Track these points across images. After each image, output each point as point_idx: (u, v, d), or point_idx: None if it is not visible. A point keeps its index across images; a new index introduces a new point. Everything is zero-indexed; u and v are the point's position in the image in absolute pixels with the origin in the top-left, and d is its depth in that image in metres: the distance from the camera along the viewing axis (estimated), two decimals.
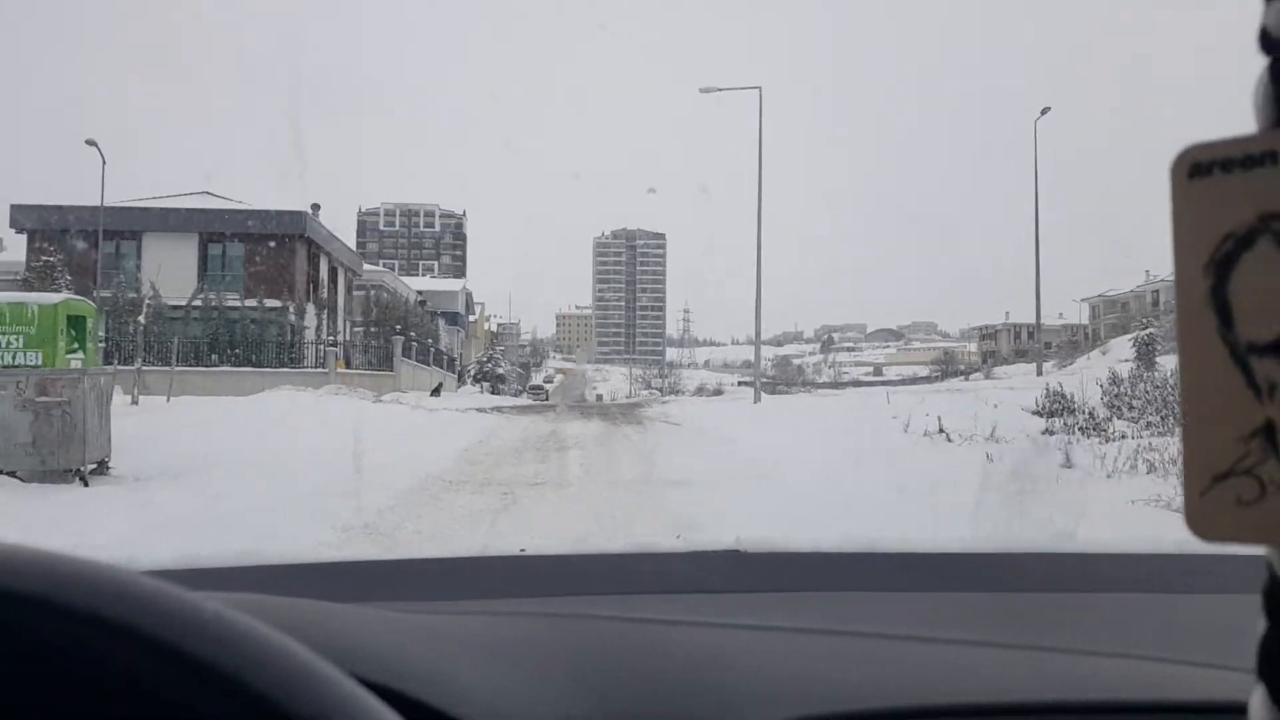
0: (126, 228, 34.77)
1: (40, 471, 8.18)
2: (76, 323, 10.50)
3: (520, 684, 0.75)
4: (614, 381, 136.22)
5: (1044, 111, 33.85)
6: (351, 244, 53.33)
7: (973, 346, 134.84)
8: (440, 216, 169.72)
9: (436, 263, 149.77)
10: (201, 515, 7.27)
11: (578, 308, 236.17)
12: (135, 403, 18.82)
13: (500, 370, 68.75)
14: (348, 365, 32.94)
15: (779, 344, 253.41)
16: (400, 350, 33.48)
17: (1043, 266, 36.19)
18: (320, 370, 30.73)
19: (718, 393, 78.33)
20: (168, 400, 19.32)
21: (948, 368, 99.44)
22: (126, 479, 8.78)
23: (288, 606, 0.79)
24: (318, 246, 37.60)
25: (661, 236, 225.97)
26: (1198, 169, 0.32)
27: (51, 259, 31.81)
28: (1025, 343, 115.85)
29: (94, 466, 8.73)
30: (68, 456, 8.15)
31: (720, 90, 23.78)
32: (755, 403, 22.14)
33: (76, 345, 10.49)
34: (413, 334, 37.28)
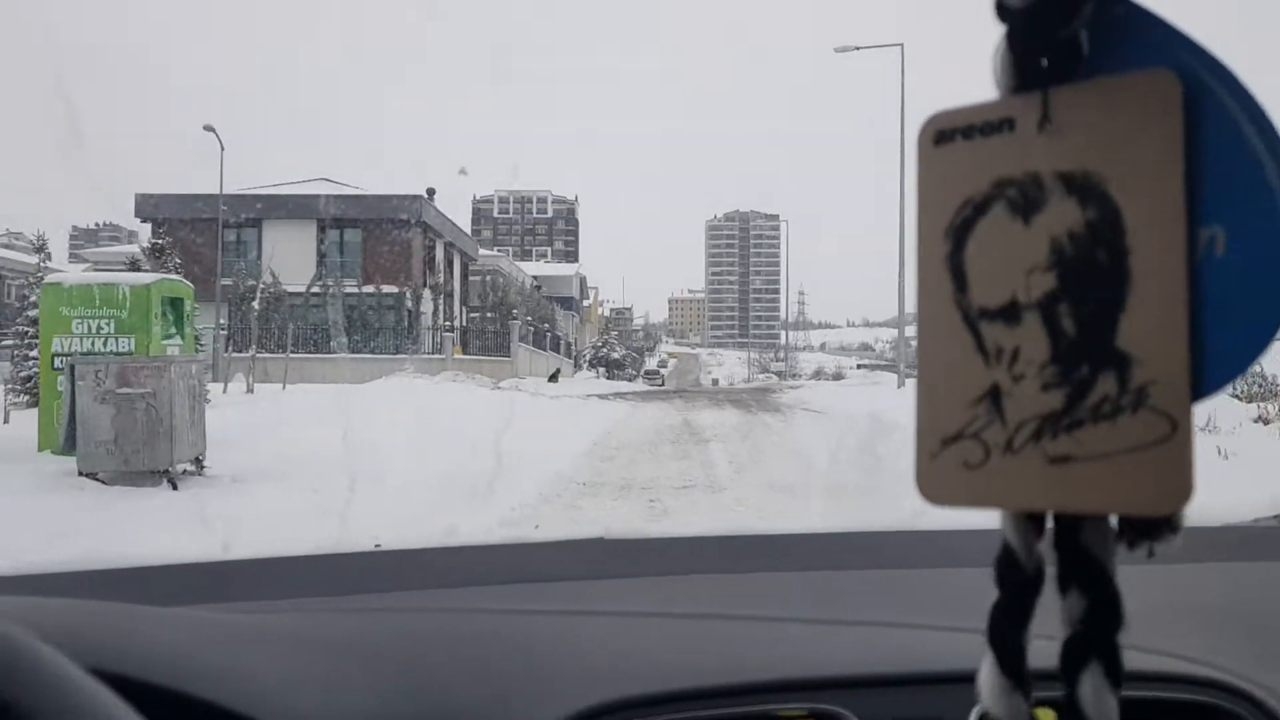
0: (247, 215, 34.77)
1: (123, 473, 7.18)
2: (173, 305, 9.53)
3: (322, 679, 0.75)
4: (729, 366, 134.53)
5: None
6: (466, 230, 53.13)
7: None
8: (553, 202, 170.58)
9: (549, 249, 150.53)
10: (296, 523, 6.12)
11: (690, 291, 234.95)
12: (250, 390, 18.21)
13: (615, 355, 67.87)
14: (464, 351, 32.27)
15: (895, 326, 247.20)
16: (517, 335, 32.64)
17: None
18: (437, 356, 30.08)
19: (838, 376, 75.98)
20: (283, 388, 18.67)
21: None
22: (223, 479, 7.74)
23: (75, 610, 0.77)
24: (434, 231, 37.06)
25: (776, 217, 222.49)
26: (942, 135, 0.32)
27: (162, 241, 32.06)
28: None
29: (188, 466, 7.72)
30: (153, 456, 7.11)
31: (856, 49, 21.83)
32: (899, 387, 20.32)
33: (174, 330, 9.50)
34: (529, 319, 36.45)
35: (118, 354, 8.68)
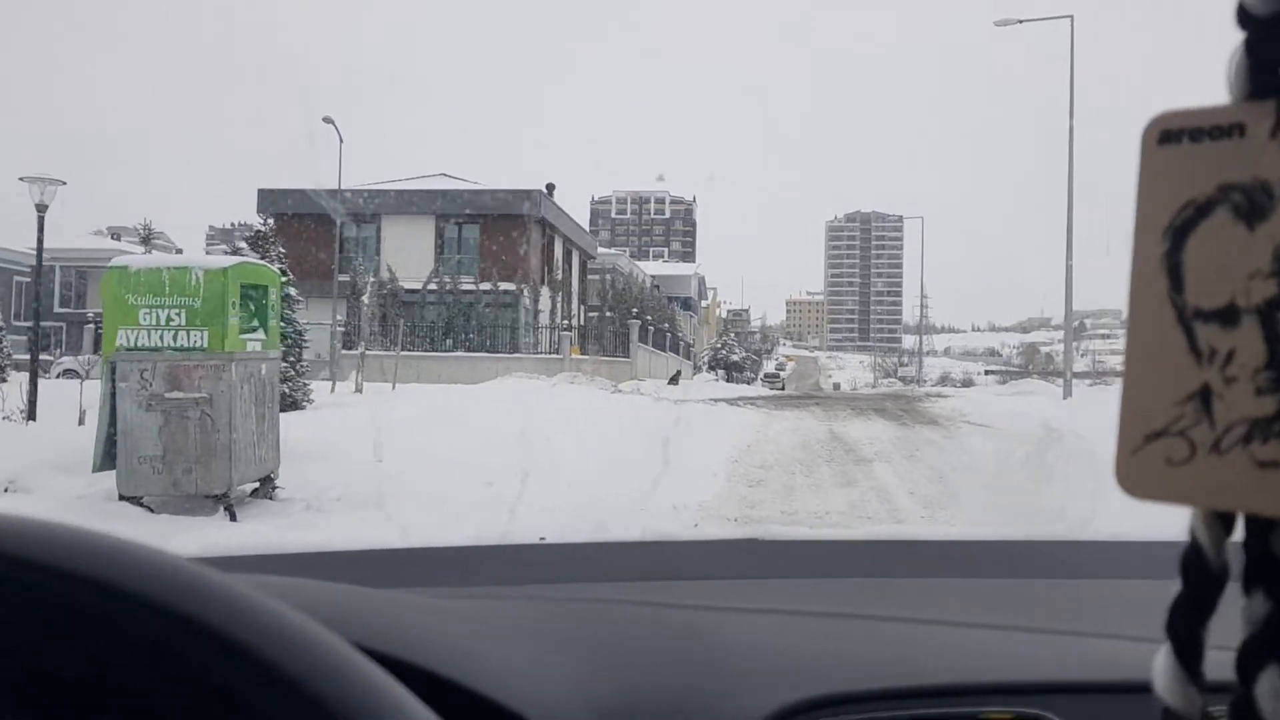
0: (365, 210, 34.25)
1: (173, 497, 5.86)
2: (256, 293, 8.23)
3: (547, 664, 0.77)
4: (850, 369, 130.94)
5: None
6: (585, 230, 52.14)
7: None
8: (670, 203, 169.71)
9: (666, 249, 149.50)
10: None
11: (809, 293, 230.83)
12: (359, 390, 17.16)
13: (735, 357, 65.99)
14: (582, 351, 31.01)
15: (1024, 330, 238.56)
16: (637, 335, 31.16)
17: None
18: (554, 356, 28.87)
19: (967, 383, 72.11)
20: (392, 388, 17.53)
21: None
22: (295, 505, 6.36)
23: (328, 590, 0.81)
24: (552, 228, 35.97)
25: (898, 218, 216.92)
26: (1167, 135, 0.32)
27: (264, 228, 31.76)
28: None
29: (255, 486, 6.38)
30: (207, 477, 5.75)
31: (1022, 22, 19.54)
32: (1065, 397, 18.01)
33: (256, 322, 8.21)
34: (649, 318, 34.94)
35: (187, 349, 7.42)
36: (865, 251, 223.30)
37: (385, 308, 30.56)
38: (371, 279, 27.25)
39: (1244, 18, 0.30)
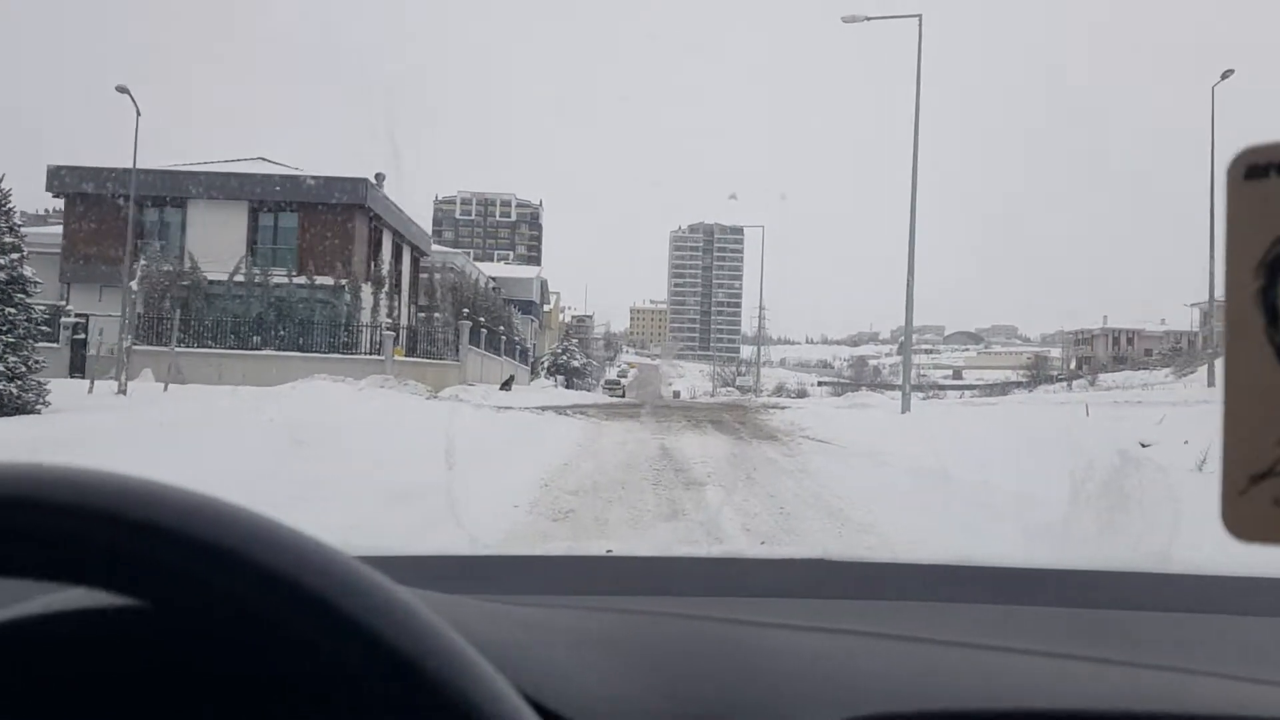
0: (170, 193, 31.09)
1: None
2: None
3: (604, 674, 0.78)
4: (690, 378, 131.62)
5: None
6: (427, 229, 49.56)
7: (1055, 352, 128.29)
8: (516, 205, 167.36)
9: (511, 252, 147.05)
10: None
11: (652, 302, 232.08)
12: (122, 391, 14.77)
13: (575, 363, 64.58)
14: (409, 352, 28.88)
15: (854, 344, 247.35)
16: (467, 337, 29.30)
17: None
18: (375, 357, 26.71)
19: (801, 394, 73.10)
20: (165, 389, 15.21)
21: (1038, 373, 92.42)
22: None
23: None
24: (379, 220, 33.62)
25: (740, 231, 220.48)
26: (1254, 170, 0.32)
27: (93, 223, 28.53)
28: (1125, 349, 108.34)
29: None
30: None
31: (869, 19, 18.86)
32: (904, 411, 17.33)
33: None
34: (483, 319, 33.08)
35: None
36: (707, 262, 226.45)
37: (187, 300, 27.68)
38: (141, 263, 24.36)
39: None
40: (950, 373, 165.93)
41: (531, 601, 1.07)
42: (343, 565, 0.46)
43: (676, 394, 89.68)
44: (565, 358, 63.35)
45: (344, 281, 28.32)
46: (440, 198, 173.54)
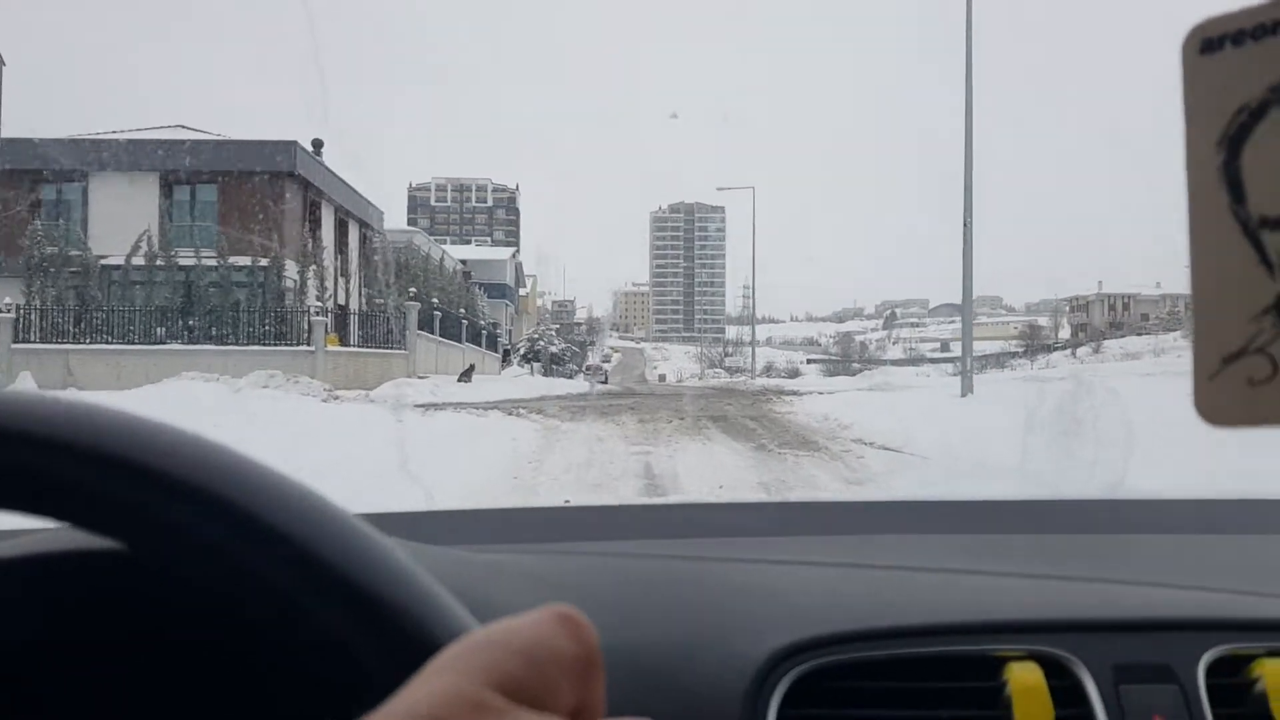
0: (68, 166, 26.61)
1: None
2: None
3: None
4: (675, 360, 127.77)
5: None
6: (402, 220, 45.76)
7: (1043, 320, 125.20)
8: (493, 191, 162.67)
9: (489, 238, 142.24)
10: None
11: (635, 285, 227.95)
12: None
13: (553, 349, 60.35)
14: (348, 341, 24.60)
15: (839, 320, 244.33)
16: (415, 322, 24.98)
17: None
18: (304, 348, 22.46)
19: (794, 373, 69.10)
20: None
21: (1033, 343, 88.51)
22: None
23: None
24: (318, 192, 29.24)
25: (721, 210, 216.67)
26: (1209, 44, 0.31)
27: None
28: (1121, 315, 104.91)
29: None
30: None
31: None
32: (965, 394, 13.23)
33: None
34: (436, 301, 28.72)
35: None
36: (689, 243, 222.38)
37: (82, 288, 23.32)
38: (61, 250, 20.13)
39: None
40: (938, 345, 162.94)
41: (488, 549, 1.08)
42: (314, 503, 0.45)
43: (662, 377, 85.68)
44: (542, 343, 59.14)
45: (263, 261, 23.90)
46: (414, 184, 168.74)
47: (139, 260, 23.82)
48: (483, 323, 39.48)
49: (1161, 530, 1.31)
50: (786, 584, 0.95)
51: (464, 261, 54.12)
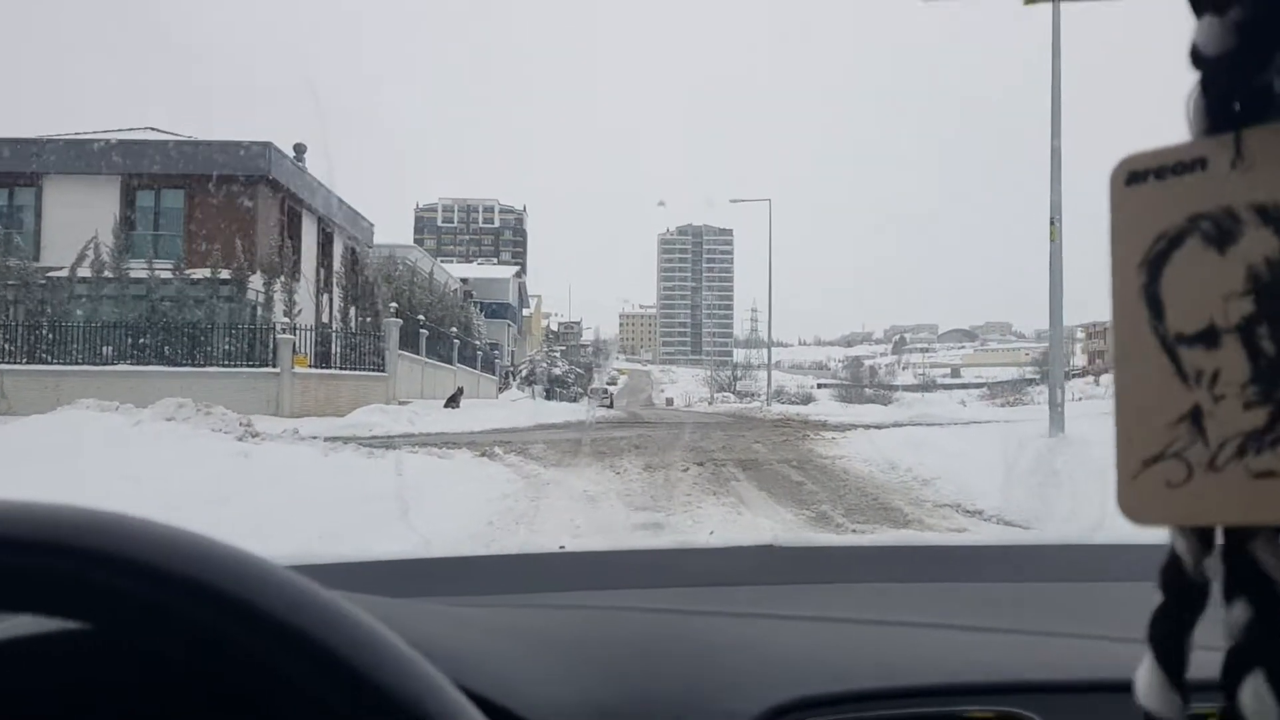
0: (21, 168, 24.18)
1: None
2: None
3: (551, 669, 0.81)
4: (683, 383, 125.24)
5: None
6: (409, 241, 43.51)
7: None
8: (500, 211, 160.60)
9: (496, 259, 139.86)
10: None
11: (642, 307, 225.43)
12: None
13: (556, 371, 57.81)
14: (323, 362, 22.04)
15: (848, 344, 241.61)
16: (397, 340, 22.39)
17: None
18: (270, 370, 19.90)
19: (806, 399, 66.27)
20: None
21: (1047, 369, 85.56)
22: None
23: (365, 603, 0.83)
24: (297, 201, 26.78)
25: (729, 233, 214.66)
26: (1134, 176, 0.34)
27: None
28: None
29: None
30: None
31: None
32: (1054, 433, 10.63)
33: None
34: (422, 318, 26.12)
35: None
36: (696, 265, 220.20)
37: (17, 301, 20.80)
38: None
39: (1197, 58, 0.32)
40: (947, 371, 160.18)
41: (486, 602, 1.08)
42: (273, 575, 0.45)
43: (669, 401, 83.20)
44: (545, 365, 56.66)
45: (224, 274, 21.32)
46: (421, 205, 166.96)
47: (85, 271, 21.25)
48: (478, 343, 36.84)
49: (1143, 577, 1.02)
50: (772, 640, 0.96)
51: (465, 280, 51.72)
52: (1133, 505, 0.33)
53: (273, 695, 0.43)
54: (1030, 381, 73.61)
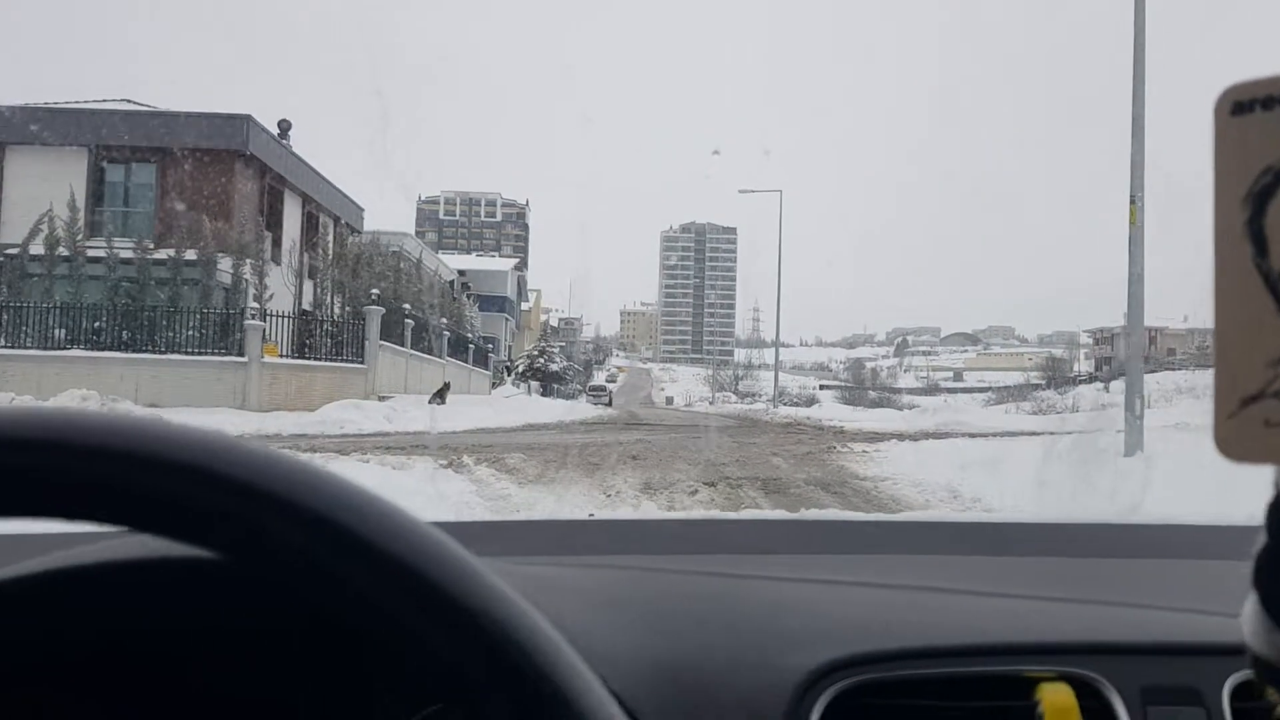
0: None
1: None
2: None
3: (607, 623, 0.82)
4: (683, 382, 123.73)
5: None
6: (409, 230, 41.97)
7: (1057, 352, 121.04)
8: (502, 205, 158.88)
9: (497, 253, 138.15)
10: None
11: (643, 304, 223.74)
12: None
13: (553, 366, 56.18)
14: (299, 351, 20.39)
15: (850, 346, 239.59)
16: (377, 330, 20.69)
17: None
18: (237, 359, 18.24)
19: (810, 400, 64.64)
20: None
21: (1055, 374, 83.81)
22: None
23: None
24: (279, 179, 25.13)
25: (732, 231, 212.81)
26: (1240, 106, 0.33)
27: None
28: (1148, 349, 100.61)
29: None
30: None
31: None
32: (1130, 453, 8.94)
33: None
34: (408, 307, 24.41)
35: None
36: (699, 263, 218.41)
37: None
38: None
39: None
40: (951, 374, 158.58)
41: (520, 562, 1.08)
42: (407, 522, 0.46)
43: (670, 400, 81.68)
44: (542, 361, 55.03)
45: (190, 255, 19.59)
46: (423, 197, 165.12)
47: (38, 249, 19.54)
48: (471, 336, 35.12)
49: (1185, 555, 1.28)
50: (822, 601, 0.96)
51: (462, 271, 49.99)
52: (1230, 443, 0.33)
53: (404, 646, 0.42)
54: (1036, 386, 72.08)
